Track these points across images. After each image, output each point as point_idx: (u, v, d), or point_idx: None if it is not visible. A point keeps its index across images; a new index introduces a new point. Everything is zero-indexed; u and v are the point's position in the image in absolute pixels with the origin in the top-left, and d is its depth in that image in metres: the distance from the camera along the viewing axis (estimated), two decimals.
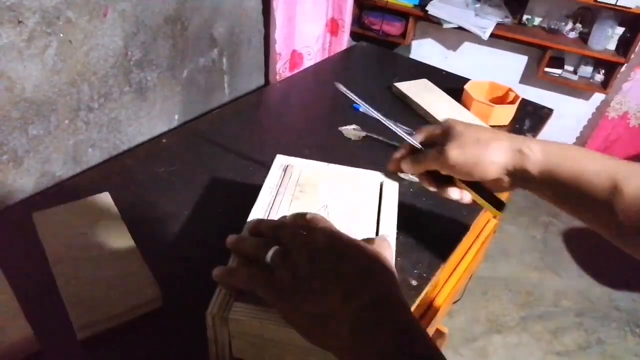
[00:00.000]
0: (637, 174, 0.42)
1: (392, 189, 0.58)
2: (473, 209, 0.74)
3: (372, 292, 0.36)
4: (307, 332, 0.38)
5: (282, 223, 0.47)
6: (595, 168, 0.43)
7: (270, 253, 0.42)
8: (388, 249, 0.46)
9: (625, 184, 0.41)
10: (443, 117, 0.95)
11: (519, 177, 0.48)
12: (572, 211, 0.47)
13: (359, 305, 0.35)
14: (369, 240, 0.47)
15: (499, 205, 0.52)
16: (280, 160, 0.61)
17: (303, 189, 0.56)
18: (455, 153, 0.48)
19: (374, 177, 0.60)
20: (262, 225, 0.47)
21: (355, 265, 0.39)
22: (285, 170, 0.59)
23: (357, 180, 0.59)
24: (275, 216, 0.52)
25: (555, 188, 0.46)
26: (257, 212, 0.52)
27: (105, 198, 0.66)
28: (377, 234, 0.51)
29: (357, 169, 0.61)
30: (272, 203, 0.54)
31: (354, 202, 0.55)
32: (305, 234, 0.42)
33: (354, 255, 0.40)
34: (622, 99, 2.15)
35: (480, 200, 0.53)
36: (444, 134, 0.51)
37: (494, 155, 0.47)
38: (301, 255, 0.40)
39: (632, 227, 0.41)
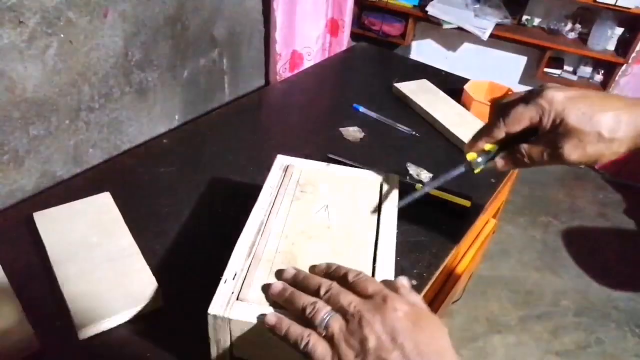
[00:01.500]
0: None
1: (392, 189, 0.58)
2: (473, 209, 0.74)
3: None
4: None
5: (343, 287, 0.39)
6: None
7: (326, 319, 0.36)
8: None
9: None
10: (454, 114, 0.96)
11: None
12: None
13: None
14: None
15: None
16: (280, 160, 0.61)
17: (303, 189, 0.57)
18: (576, 155, 0.45)
19: (374, 177, 0.60)
20: (312, 280, 0.41)
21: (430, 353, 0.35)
22: (285, 170, 0.59)
23: (357, 180, 0.59)
24: (275, 216, 0.52)
25: None
26: (258, 212, 0.52)
27: (105, 198, 0.66)
28: (377, 234, 0.52)
29: (357, 169, 0.61)
30: (272, 203, 0.54)
31: (354, 202, 0.55)
32: (373, 307, 0.36)
33: (427, 344, 0.36)
34: (619, 93, 2.15)
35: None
36: (552, 126, 0.45)
37: (616, 148, 0.44)
38: (371, 338, 0.34)
39: None
